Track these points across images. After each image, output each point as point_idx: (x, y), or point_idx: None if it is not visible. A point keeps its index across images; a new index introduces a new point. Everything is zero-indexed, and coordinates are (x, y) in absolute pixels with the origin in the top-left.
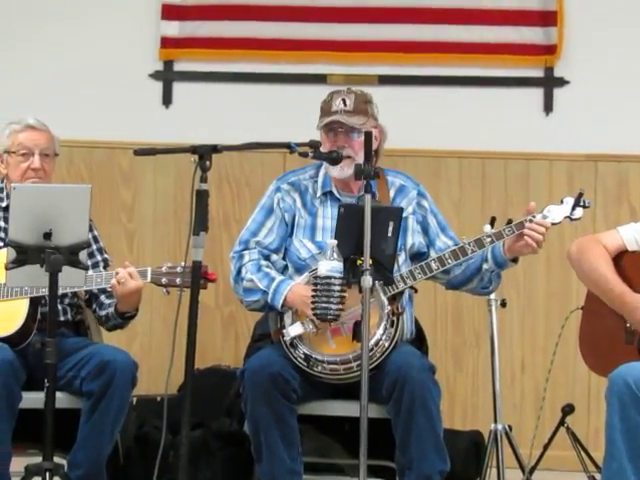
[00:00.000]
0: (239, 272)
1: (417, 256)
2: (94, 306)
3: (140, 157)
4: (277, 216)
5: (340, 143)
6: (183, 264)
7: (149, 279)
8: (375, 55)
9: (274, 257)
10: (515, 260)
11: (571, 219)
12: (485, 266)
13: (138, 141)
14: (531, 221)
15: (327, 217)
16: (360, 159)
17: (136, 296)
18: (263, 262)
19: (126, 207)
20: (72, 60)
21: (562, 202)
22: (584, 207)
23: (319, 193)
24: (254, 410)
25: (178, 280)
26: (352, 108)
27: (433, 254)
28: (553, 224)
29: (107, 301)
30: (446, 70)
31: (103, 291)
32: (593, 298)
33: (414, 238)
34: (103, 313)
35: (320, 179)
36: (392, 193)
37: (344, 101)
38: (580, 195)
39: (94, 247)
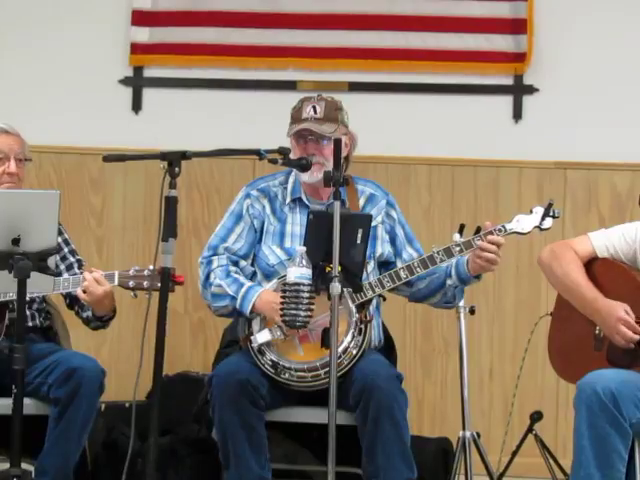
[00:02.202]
0: (208, 277)
1: (385, 265)
2: (76, 308)
3: (110, 163)
4: (246, 222)
5: (310, 151)
6: (151, 267)
7: (116, 282)
8: (345, 62)
9: (243, 263)
10: (478, 277)
11: (540, 229)
12: (449, 282)
13: (107, 147)
14: (490, 234)
15: (296, 224)
16: (331, 165)
17: (107, 300)
18: (232, 268)
19: (95, 213)
20: (42, 65)
21: (532, 212)
22: (554, 217)
23: (288, 200)
24: (222, 417)
25: (145, 283)
26: (322, 115)
27: (400, 264)
28: (522, 234)
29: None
30: (416, 77)
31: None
32: (562, 305)
33: (383, 247)
34: (85, 315)
35: (290, 186)
36: (362, 202)
37: (314, 108)
38: (550, 205)
39: (66, 250)
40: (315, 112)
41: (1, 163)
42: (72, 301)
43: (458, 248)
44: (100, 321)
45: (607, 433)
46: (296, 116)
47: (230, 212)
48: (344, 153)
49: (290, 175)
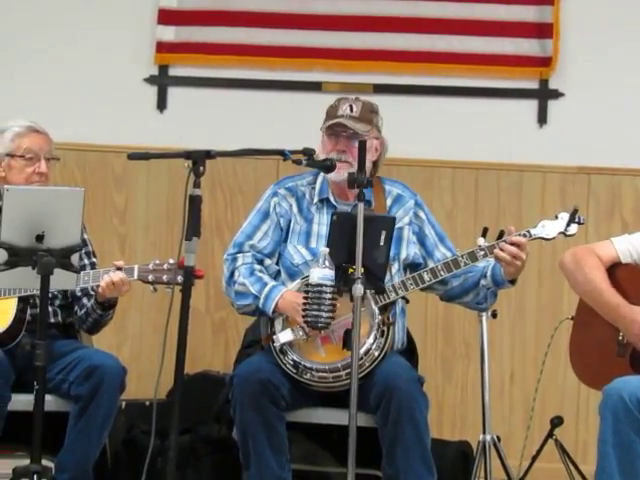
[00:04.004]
0: (232, 275)
1: (412, 267)
2: (75, 308)
3: (133, 161)
4: (272, 220)
5: (341, 147)
6: (171, 261)
7: (136, 276)
8: (370, 64)
9: (267, 261)
10: (513, 282)
11: (565, 235)
12: (483, 282)
13: (132, 145)
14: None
15: (323, 224)
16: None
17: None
18: (256, 266)
19: (118, 211)
20: (68, 63)
21: (557, 218)
22: (579, 224)
23: (316, 200)
24: (243, 416)
25: (165, 277)
26: (358, 115)
27: (431, 265)
28: (546, 239)
29: (88, 303)
30: (441, 80)
31: (85, 293)
32: (584, 309)
33: (409, 249)
34: (82, 312)
35: (317, 186)
36: (389, 202)
37: (351, 107)
38: (575, 211)
39: (82, 251)
40: (351, 111)
41: (32, 163)
42: (73, 300)
43: (482, 252)
44: (102, 309)
45: (632, 440)
46: (332, 113)
47: (257, 210)
48: (374, 157)
49: (318, 175)
